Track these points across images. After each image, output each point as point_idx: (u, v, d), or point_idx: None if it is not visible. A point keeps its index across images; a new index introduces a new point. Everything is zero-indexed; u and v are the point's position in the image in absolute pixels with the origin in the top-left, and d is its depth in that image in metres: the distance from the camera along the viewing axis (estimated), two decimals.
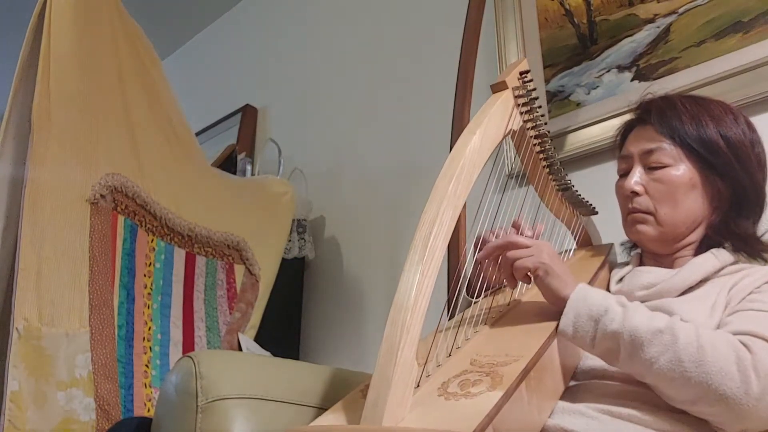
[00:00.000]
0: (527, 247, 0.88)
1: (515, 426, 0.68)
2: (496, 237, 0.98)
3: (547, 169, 1.04)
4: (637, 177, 1.02)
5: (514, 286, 0.95)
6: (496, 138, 0.87)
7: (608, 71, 1.62)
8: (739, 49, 1.40)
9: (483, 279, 1.01)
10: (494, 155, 0.87)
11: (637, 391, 0.83)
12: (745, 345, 0.77)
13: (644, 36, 1.57)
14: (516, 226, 1.03)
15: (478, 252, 0.95)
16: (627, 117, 1.11)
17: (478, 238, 1.00)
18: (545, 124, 0.97)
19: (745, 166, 0.99)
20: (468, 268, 1.08)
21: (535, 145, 0.99)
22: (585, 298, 0.83)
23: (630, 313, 0.80)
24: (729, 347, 0.76)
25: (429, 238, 0.72)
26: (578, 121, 1.63)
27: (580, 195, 1.15)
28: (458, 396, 0.68)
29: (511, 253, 0.89)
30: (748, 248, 1.00)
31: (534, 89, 0.92)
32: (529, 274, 0.88)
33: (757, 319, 0.83)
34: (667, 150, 0.99)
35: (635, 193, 1.01)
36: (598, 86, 1.63)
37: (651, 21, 1.56)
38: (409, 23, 2.20)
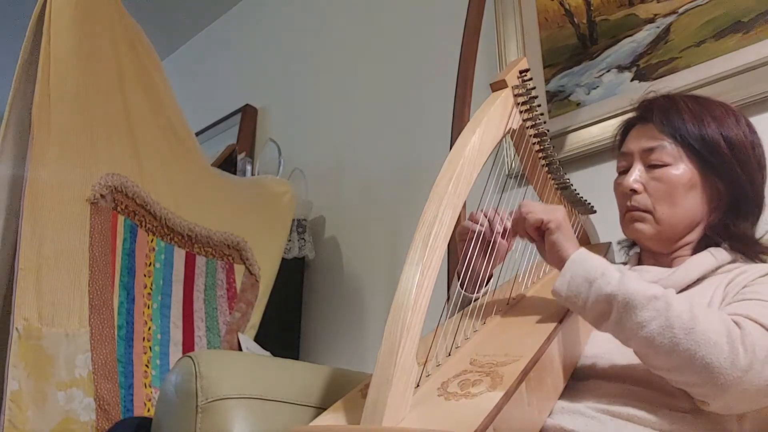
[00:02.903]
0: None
1: (515, 426, 0.68)
2: (474, 222, 0.99)
3: (546, 168, 1.04)
4: (636, 175, 1.01)
5: (498, 259, 0.97)
6: (496, 137, 0.87)
7: (608, 71, 1.62)
8: (739, 49, 1.40)
9: (472, 269, 1.00)
10: (493, 155, 0.87)
11: (636, 391, 0.83)
12: (736, 323, 0.78)
13: (644, 36, 1.57)
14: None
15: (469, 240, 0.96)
16: (627, 116, 1.11)
17: (461, 229, 1.01)
18: (544, 123, 0.97)
19: (745, 168, 0.99)
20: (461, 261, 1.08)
21: (534, 144, 0.99)
22: (584, 260, 0.83)
23: (626, 278, 0.80)
24: (720, 322, 0.77)
25: (429, 237, 0.72)
26: (578, 121, 1.63)
27: (578, 194, 1.15)
28: (458, 396, 0.68)
29: (526, 208, 0.90)
30: (746, 249, 0.99)
31: (533, 88, 0.92)
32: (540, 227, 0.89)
33: (750, 305, 0.83)
34: (668, 149, 0.99)
35: (634, 191, 1.01)
36: (598, 86, 1.63)
37: (651, 21, 1.56)
38: (409, 23, 2.20)
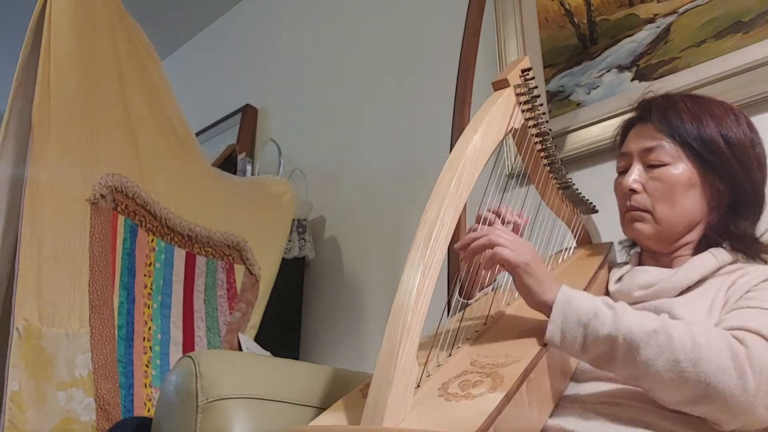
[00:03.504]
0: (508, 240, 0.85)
1: (516, 427, 0.68)
2: (485, 223, 0.95)
3: (548, 168, 1.04)
4: (635, 175, 1.01)
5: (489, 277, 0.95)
6: (498, 136, 0.87)
7: (608, 71, 1.62)
8: (739, 49, 1.40)
9: (472, 277, 1.00)
10: (494, 155, 0.86)
11: (637, 392, 0.83)
12: (738, 339, 0.77)
13: (644, 36, 1.57)
14: (497, 214, 1.01)
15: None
16: (627, 116, 1.11)
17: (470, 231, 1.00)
18: (546, 122, 0.97)
19: (745, 167, 0.99)
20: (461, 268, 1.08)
21: (536, 143, 0.98)
22: (570, 302, 0.80)
23: (620, 314, 0.78)
24: (723, 343, 0.76)
25: (430, 237, 0.71)
26: (578, 121, 1.63)
27: (580, 193, 1.14)
28: (459, 397, 0.67)
29: (493, 238, 0.84)
30: (747, 248, 0.99)
31: (536, 87, 0.92)
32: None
33: (751, 315, 0.83)
34: (667, 148, 0.99)
35: (633, 191, 1.01)
36: (598, 86, 1.63)
37: (651, 21, 1.56)
38: (409, 23, 2.20)
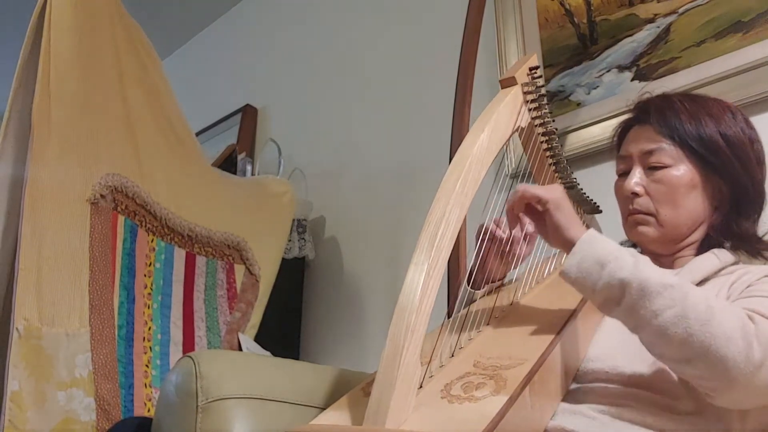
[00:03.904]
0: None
1: (519, 430, 0.67)
2: (497, 226, 0.98)
3: (554, 167, 1.03)
4: (637, 178, 1.01)
5: (511, 265, 0.94)
6: (505, 135, 0.86)
7: (608, 71, 1.62)
8: (739, 49, 1.40)
9: (485, 270, 1.00)
10: (498, 155, 0.86)
11: (638, 393, 0.83)
12: (749, 317, 0.77)
13: (644, 36, 1.57)
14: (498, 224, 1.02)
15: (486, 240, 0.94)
16: (624, 118, 1.11)
17: (480, 228, 1.00)
18: (553, 121, 0.96)
19: (745, 164, 0.99)
20: (471, 259, 1.07)
21: (542, 142, 0.98)
22: (595, 242, 0.80)
23: (641, 264, 0.78)
24: (736, 316, 0.76)
25: (435, 237, 0.70)
26: (578, 121, 1.63)
27: (585, 193, 1.14)
28: (462, 399, 0.67)
29: (524, 188, 0.87)
30: (749, 247, 0.99)
31: (543, 85, 0.91)
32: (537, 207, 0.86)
33: (756, 301, 0.83)
34: (667, 150, 0.99)
35: (635, 194, 1.01)
36: (598, 86, 1.63)
37: (651, 21, 1.56)
38: (409, 23, 2.20)
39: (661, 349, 0.78)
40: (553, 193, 0.85)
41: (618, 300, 0.77)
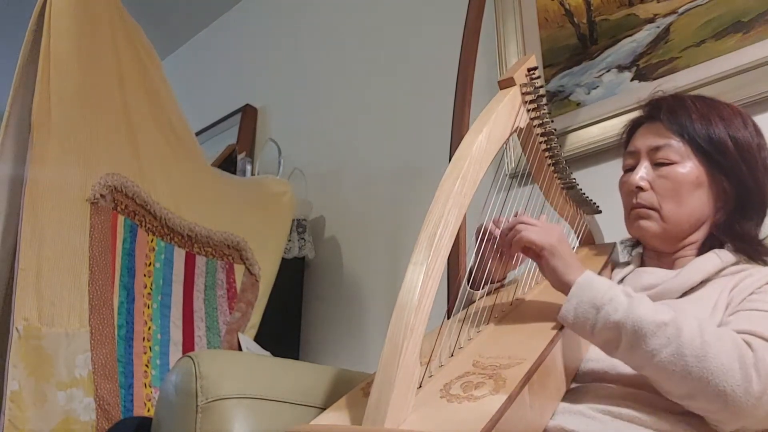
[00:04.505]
0: (536, 226, 0.89)
1: (517, 430, 0.67)
2: (496, 226, 0.98)
3: (553, 167, 1.03)
4: (642, 172, 1.01)
5: (511, 265, 0.96)
6: (503, 136, 0.86)
7: (608, 71, 1.62)
8: (739, 49, 1.40)
9: (485, 270, 1.00)
10: (497, 155, 0.86)
11: (638, 393, 0.83)
12: (747, 343, 0.77)
13: (644, 36, 1.57)
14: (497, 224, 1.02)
15: (486, 241, 0.94)
16: (627, 117, 1.11)
17: (479, 229, 1.00)
18: (552, 121, 0.96)
19: (752, 169, 0.99)
20: (470, 259, 1.07)
21: (541, 143, 0.98)
22: (590, 285, 0.82)
23: (635, 303, 0.79)
24: (732, 344, 0.76)
25: (434, 237, 0.70)
26: (578, 121, 1.63)
27: (584, 193, 1.14)
28: (461, 398, 0.67)
29: (521, 226, 0.89)
30: (750, 250, 0.99)
31: (542, 86, 0.91)
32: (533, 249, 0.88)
33: (757, 319, 0.83)
34: (675, 147, 0.99)
35: (640, 189, 1.01)
36: (598, 86, 1.63)
37: (651, 21, 1.56)
38: (409, 23, 2.20)
39: (665, 387, 0.79)
40: (549, 238, 0.87)
41: (616, 343, 0.79)
